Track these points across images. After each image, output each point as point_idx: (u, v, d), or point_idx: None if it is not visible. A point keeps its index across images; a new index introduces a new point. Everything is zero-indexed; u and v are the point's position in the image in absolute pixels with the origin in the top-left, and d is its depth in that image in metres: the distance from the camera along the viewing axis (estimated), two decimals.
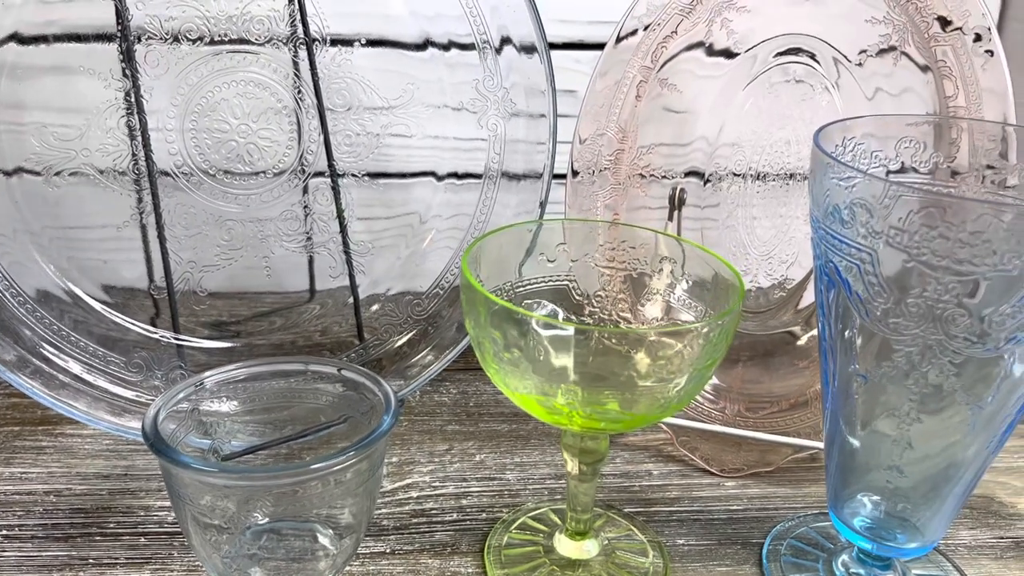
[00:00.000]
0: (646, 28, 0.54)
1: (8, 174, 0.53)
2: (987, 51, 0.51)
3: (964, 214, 0.35)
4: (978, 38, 0.51)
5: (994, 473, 0.57)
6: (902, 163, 0.46)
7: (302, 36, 0.56)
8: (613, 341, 0.42)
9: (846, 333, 0.41)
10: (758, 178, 0.59)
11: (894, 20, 0.53)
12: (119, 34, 0.52)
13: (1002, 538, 0.51)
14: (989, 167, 0.46)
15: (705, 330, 0.39)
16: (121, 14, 0.52)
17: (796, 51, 0.56)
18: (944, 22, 0.52)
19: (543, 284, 0.49)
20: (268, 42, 0.55)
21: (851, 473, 0.44)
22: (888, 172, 0.45)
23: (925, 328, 0.37)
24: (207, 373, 0.47)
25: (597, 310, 0.50)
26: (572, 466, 0.45)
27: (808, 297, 0.61)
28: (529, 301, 0.48)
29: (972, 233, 0.34)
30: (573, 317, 0.49)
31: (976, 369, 0.38)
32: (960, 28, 0.52)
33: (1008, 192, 0.45)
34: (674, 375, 0.39)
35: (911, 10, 0.52)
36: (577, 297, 0.50)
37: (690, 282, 0.47)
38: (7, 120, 0.53)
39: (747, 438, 0.57)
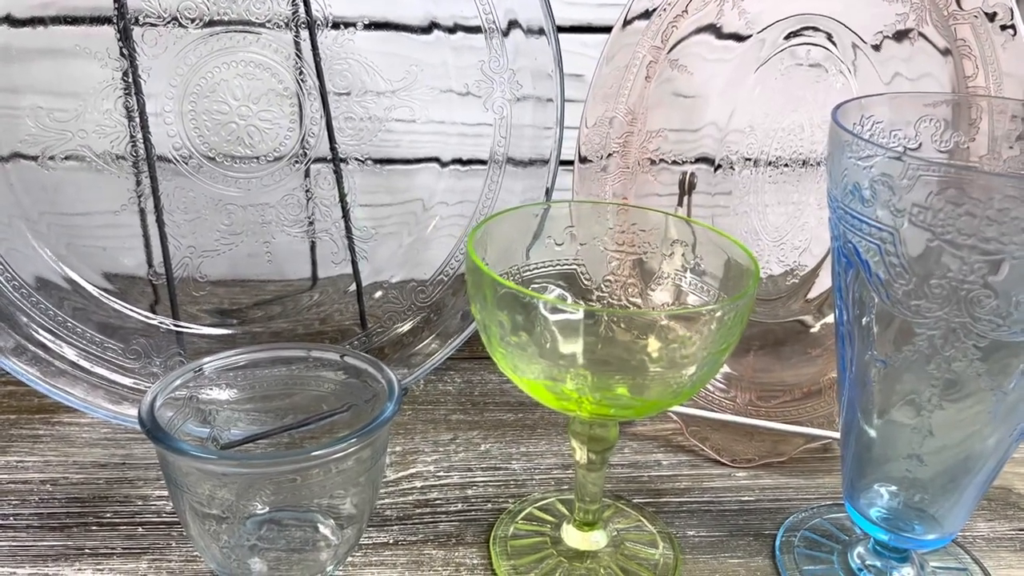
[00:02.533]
0: (655, 8, 0.53)
1: (4, 159, 0.52)
2: (1007, 27, 0.50)
3: (989, 191, 0.33)
4: (998, 16, 0.50)
5: (1013, 464, 0.55)
6: (920, 143, 0.44)
7: (304, 16, 0.54)
8: (623, 325, 0.41)
9: (864, 317, 0.40)
10: (770, 164, 0.58)
11: None
12: (116, 13, 0.51)
13: (1021, 530, 0.50)
14: (1010, 147, 0.45)
15: (719, 314, 0.38)
16: None
17: (811, 32, 0.55)
18: None
19: (551, 268, 0.48)
20: (269, 22, 0.54)
21: (868, 463, 0.43)
22: (906, 151, 0.44)
23: (949, 310, 0.36)
24: (206, 359, 0.46)
25: (606, 295, 0.49)
26: (580, 455, 0.44)
27: (818, 286, 0.60)
28: (536, 285, 0.47)
29: (1000, 210, 0.33)
30: (581, 302, 0.48)
31: (1001, 354, 0.37)
32: (979, 6, 0.50)
33: None
34: (686, 360, 0.38)
35: None
36: (585, 282, 0.48)
37: (702, 265, 0.46)
38: (1, 104, 0.52)
39: (759, 428, 0.56)
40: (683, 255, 0.46)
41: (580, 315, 0.40)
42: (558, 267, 0.48)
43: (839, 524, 0.50)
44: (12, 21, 0.50)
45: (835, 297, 0.42)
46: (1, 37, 0.50)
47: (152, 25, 0.52)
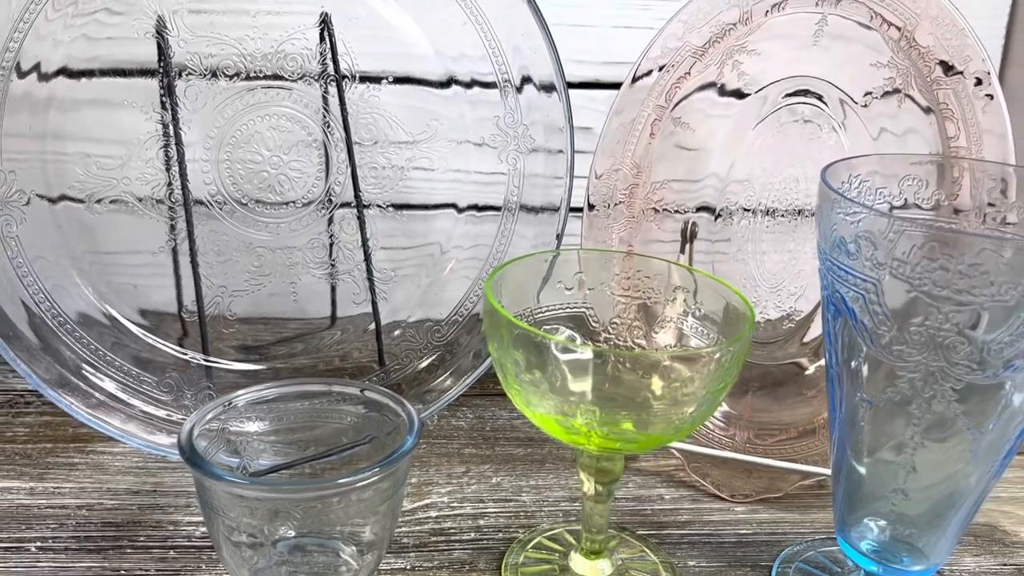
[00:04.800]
0: (661, 69, 0.57)
1: (53, 201, 0.56)
2: (987, 95, 0.53)
3: (965, 248, 0.37)
4: (979, 82, 0.54)
5: (998, 503, 0.58)
6: (905, 200, 0.48)
7: (332, 73, 0.58)
8: (629, 365, 0.44)
9: (852, 361, 0.43)
10: (767, 214, 0.61)
11: (898, 64, 0.56)
12: (161, 70, 0.55)
13: (1005, 565, 0.53)
14: (990, 204, 0.48)
15: (717, 355, 0.41)
16: (163, 51, 0.55)
17: (804, 92, 0.59)
18: (946, 67, 0.55)
19: (561, 311, 0.51)
20: (300, 79, 0.58)
21: (858, 499, 0.46)
22: (892, 208, 0.47)
23: (927, 355, 0.39)
24: (237, 393, 0.49)
25: (612, 336, 0.52)
26: (588, 487, 0.47)
27: (814, 330, 0.63)
28: (548, 327, 0.50)
29: (971, 265, 0.36)
30: (590, 343, 0.51)
31: (977, 396, 0.40)
32: (961, 73, 0.54)
33: (1008, 228, 0.47)
34: (687, 398, 0.41)
35: (914, 55, 0.55)
36: (594, 324, 0.52)
37: (702, 310, 0.49)
38: (54, 150, 0.55)
39: (757, 464, 0.58)
40: (685, 300, 0.50)
41: (589, 355, 0.43)
42: (568, 310, 0.51)
43: (832, 557, 0.53)
44: (68, 73, 0.55)
45: (825, 342, 0.45)
46: (58, 89, 0.54)
47: (194, 81, 0.56)
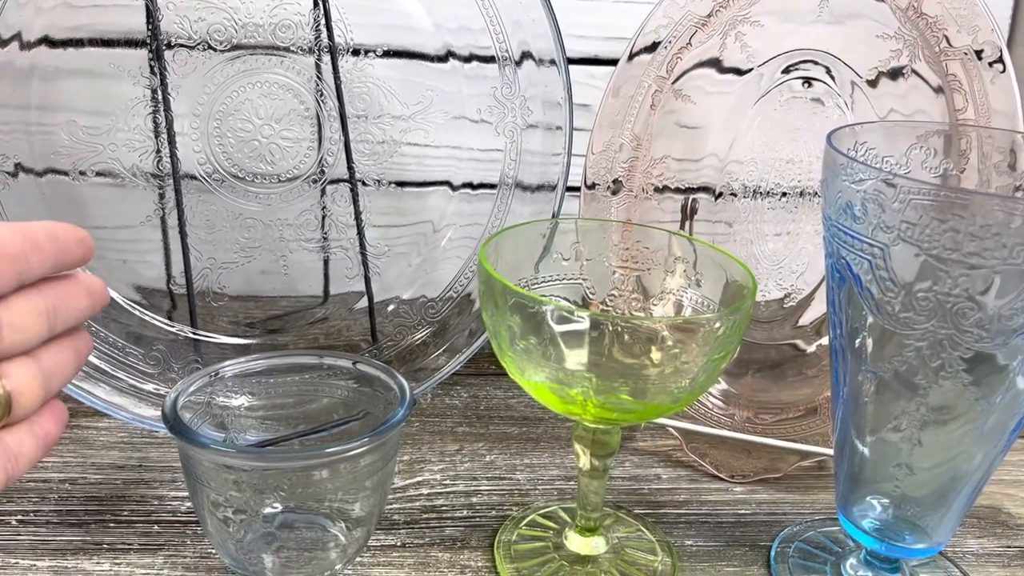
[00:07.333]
0: (660, 41, 0.56)
1: (39, 174, 0.54)
2: (995, 62, 0.52)
3: (972, 210, 0.35)
4: (985, 53, 0.53)
5: (1002, 485, 0.57)
6: (910, 171, 0.47)
7: (326, 42, 0.57)
8: (627, 337, 0.43)
9: (857, 330, 0.41)
10: (768, 194, 0.60)
11: (905, 35, 0.54)
12: (149, 33, 0.54)
13: (1009, 547, 0.52)
14: (999, 176, 0.47)
15: (716, 324, 0.40)
16: (152, 14, 0.53)
17: (809, 66, 0.58)
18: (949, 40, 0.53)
19: (557, 282, 0.50)
20: (293, 46, 0.56)
21: (861, 479, 0.45)
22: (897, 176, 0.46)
23: (935, 323, 0.38)
24: (226, 363, 0.48)
25: (610, 308, 0.51)
26: (584, 460, 0.46)
27: (809, 315, 0.62)
28: (544, 297, 0.49)
29: (982, 227, 0.35)
30: (587, 310, 0.50)
31: (986, 367, 0.38)
32: (969, 43, 0.53)
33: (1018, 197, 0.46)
34: (686, 367, 0.40)
35: (921, 25, 0.53)
36: (591, 296, 0.50)
37: (702, 281, 0.48)
38: (38, 121, 0.54)
39: (756, 444, 0.57)
40: (684, 272, 0.48)
41: (586, 323, 0.42)
42: (564, 281, 0.50)
43: (833, 537, 0.51)
44: (50, 42, 0.53)
45: (829, 313, 0.44)
46: (40, 58, 0.53)
47: (183, 47, 0.54)
